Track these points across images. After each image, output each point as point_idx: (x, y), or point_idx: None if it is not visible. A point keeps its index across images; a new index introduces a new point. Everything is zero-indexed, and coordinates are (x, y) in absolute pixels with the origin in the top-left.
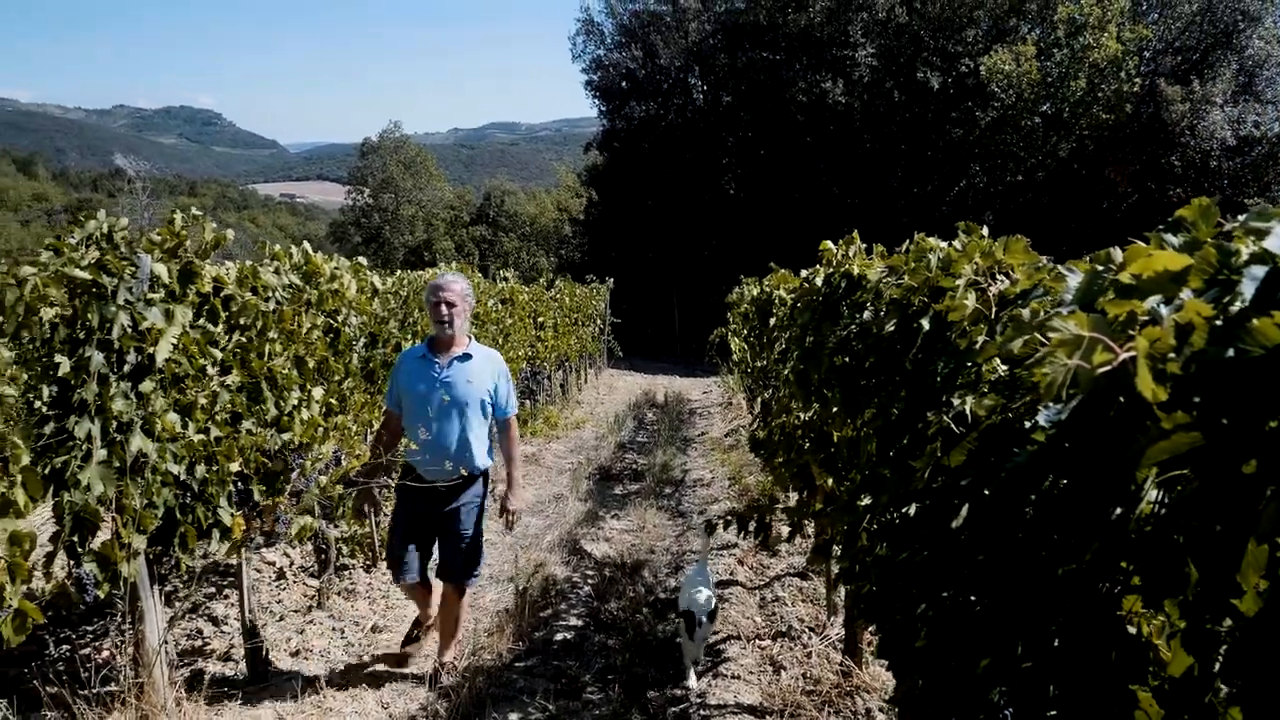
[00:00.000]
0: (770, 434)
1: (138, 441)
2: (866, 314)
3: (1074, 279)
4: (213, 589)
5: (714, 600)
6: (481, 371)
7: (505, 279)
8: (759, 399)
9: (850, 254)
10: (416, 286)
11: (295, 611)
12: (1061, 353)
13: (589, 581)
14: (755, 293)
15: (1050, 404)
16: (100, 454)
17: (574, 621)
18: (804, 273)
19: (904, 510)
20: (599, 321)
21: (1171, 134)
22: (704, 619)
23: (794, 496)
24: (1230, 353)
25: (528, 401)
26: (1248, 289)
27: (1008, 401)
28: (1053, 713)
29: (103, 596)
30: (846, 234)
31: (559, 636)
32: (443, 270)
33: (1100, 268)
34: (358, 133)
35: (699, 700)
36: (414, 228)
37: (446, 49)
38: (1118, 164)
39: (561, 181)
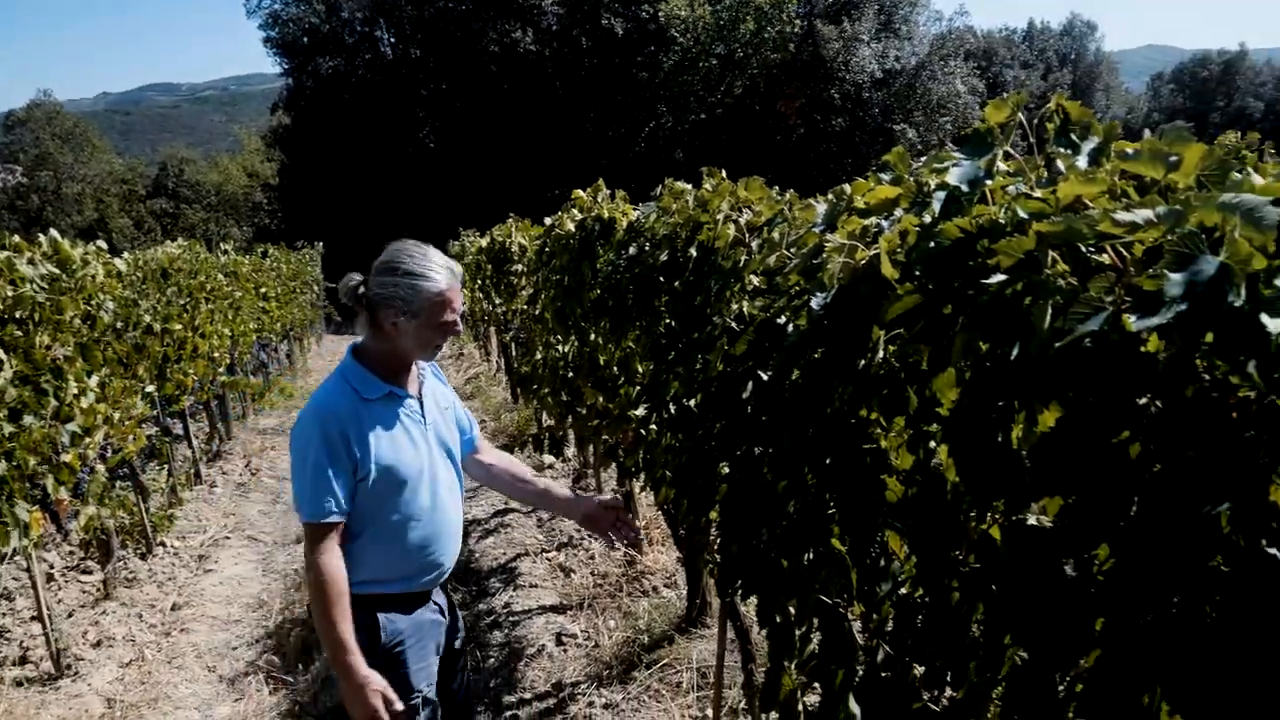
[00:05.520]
0: (534, 369)
1: None
2: (632, 249)
3: (820, 207)
4: None
5: None
6: (446, 387)
7: (226, 251)
8: (501, 342)
9: (599, 200)
10: (153, 268)
11: (83, 606)
12: (834, 254)
13: None
14: (484, 243)
15: (818, 293)
16: None
17: None
18: (548, 220)
19: (685, 402)
20: (315, 288)
21: (829, 70)
22: None
23: (549, 422)
24: (931, 245)
25: (261, 375)
26: (937, 206)
27: (772, 302)
28: (832, 508)
29: None
30: (549, 179)
31: None
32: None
33: (836, 199)
34: None
35: (504, 610)
36: (83, 206)
37: (82, 7)
38: (786, 99)
39: (245, 146)
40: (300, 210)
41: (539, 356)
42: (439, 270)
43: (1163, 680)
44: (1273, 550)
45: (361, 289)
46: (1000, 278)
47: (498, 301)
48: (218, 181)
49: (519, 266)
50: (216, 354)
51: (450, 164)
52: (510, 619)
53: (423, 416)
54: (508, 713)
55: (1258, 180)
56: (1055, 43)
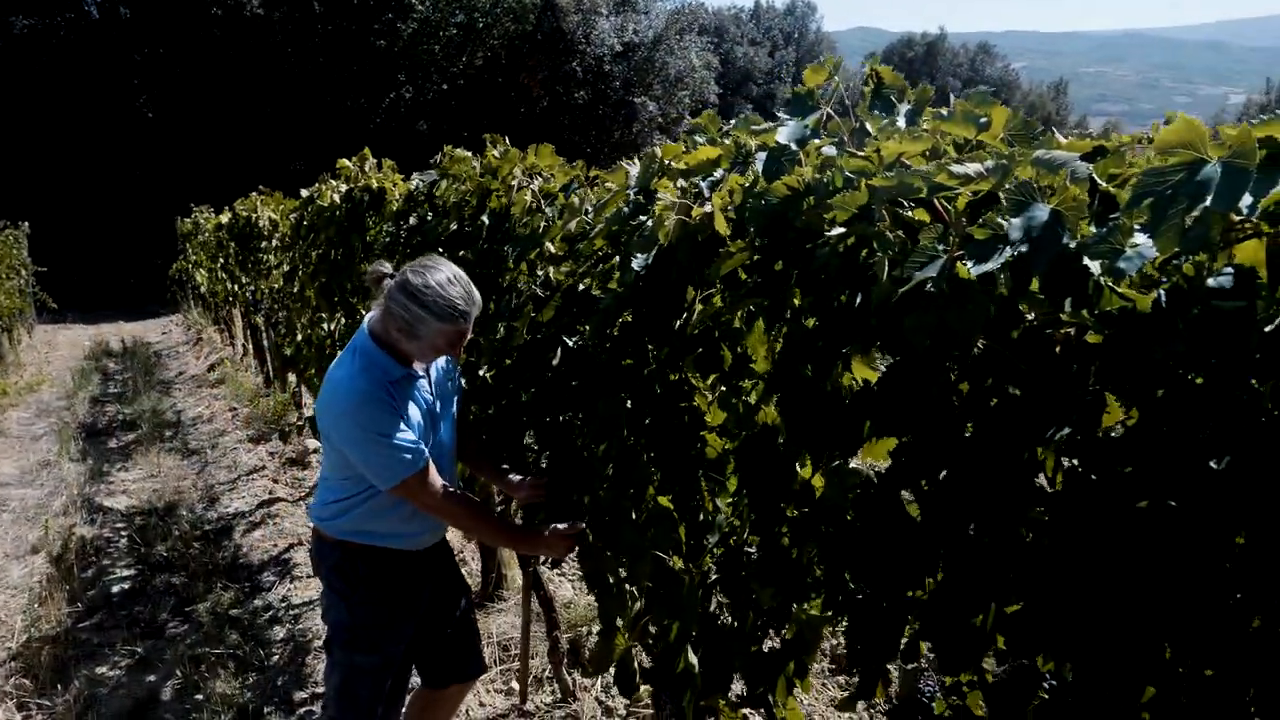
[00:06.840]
0: (298, 350)
1: None
2: (413, 219)
3: (634, 169)
4: None
5: None
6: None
7: None
8: (250, 324)
9: (367, 169)
10: None
11: None
12: (666, 213)
13: (123, 534)
14: (223, 219)
15: (638, 254)
16: None
17: (126, 572)
18: (305, 192)
19: (481, 374)
20: (24, 273)
21: (570, 42)
22: None
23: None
24: (762, 202)
25: None
26: (759, 165)
27: (577, 268)
28: (654, 469)
29: None
30: (286, 152)
31: (116, 589)
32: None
33: (649, 161)
34: None
35: (283, 605)
36: None
37: None
38: (529, 71)
39: None
40: None
41: (300, 337)
42: (451, 309)
43: (995, 598)
44: (1091, 475)
45: (385, 282)
46: (839, 231)
47: (244, 281)
48: None
49: (271, 243)
50: None
51: (174, 136)
52: (291, 613)
53: (432, 390)
54: (301, 710)
55: (1061, 139)
56: (779, 22)
